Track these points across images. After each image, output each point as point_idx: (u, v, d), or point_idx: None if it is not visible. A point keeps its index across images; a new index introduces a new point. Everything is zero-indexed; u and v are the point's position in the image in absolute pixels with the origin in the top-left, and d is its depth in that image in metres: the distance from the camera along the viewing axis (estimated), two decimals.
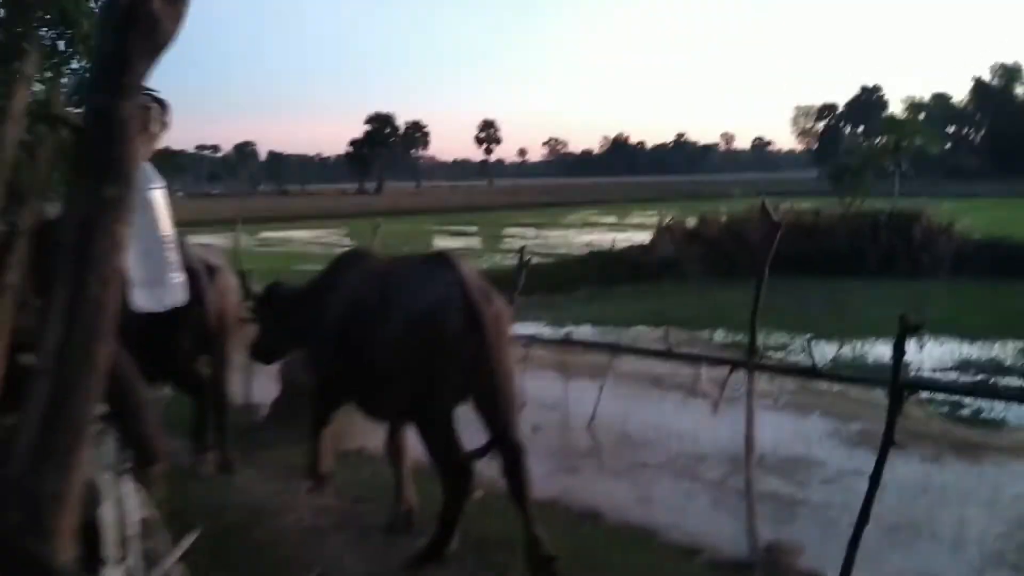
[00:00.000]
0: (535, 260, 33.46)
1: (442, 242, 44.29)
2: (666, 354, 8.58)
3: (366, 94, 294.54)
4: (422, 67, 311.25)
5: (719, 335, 17.83)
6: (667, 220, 32.44)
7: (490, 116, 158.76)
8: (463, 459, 4.92)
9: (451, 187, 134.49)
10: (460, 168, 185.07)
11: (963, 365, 15.72)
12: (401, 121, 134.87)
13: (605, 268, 27.75)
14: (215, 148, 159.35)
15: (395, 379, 5.01)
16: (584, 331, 17.90)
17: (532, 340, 9.80)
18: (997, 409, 11.60)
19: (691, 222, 32.18)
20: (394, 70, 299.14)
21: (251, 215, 67.23)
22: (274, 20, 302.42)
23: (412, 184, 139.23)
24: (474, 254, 36.87)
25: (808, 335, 16.59)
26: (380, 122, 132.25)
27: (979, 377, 14.73)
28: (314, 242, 45.18)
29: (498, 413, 4.93)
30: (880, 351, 16.01)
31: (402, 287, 5.10)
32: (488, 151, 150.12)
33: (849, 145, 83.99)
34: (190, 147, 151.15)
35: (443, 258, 5.14)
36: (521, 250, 9.57)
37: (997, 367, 15.64)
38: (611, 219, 59.70)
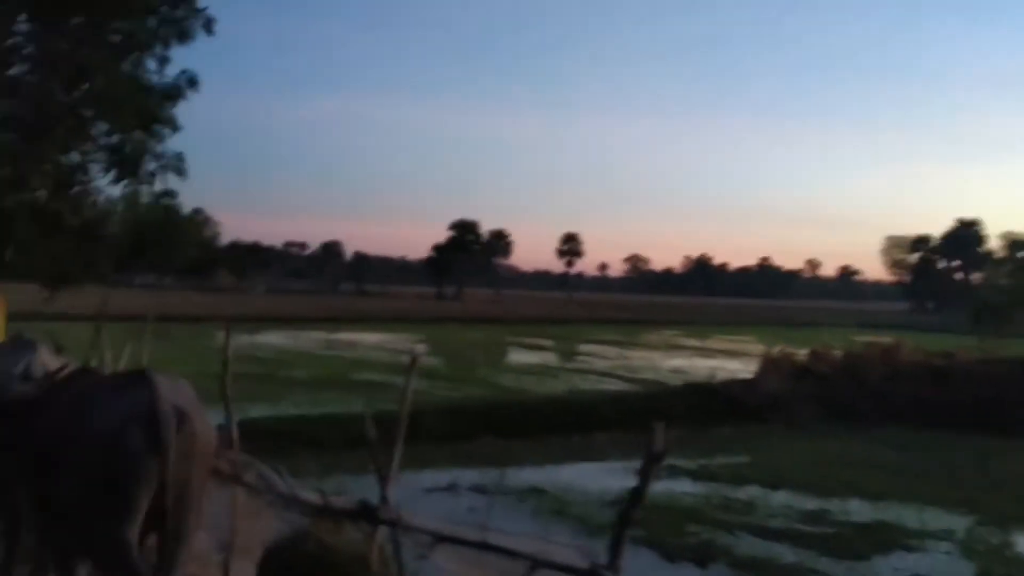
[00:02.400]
0: (619, 386, 29.26)
1: (517, 356, 41.18)
2: None
3: (452, 200, 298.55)
4: (509, 176, 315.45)
5: (854, 507, 14.18)
6: (773, 351, 28.76)
7: (573, 229, 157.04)
8: None
9: (530, 297, 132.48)
10: (540, 279, 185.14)
11: None
12: (485, 228, 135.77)
13: (701, 403, 24.11)
14: (303, 246, 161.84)
15: (76, 504, 4.79)
16: (684, 485, 14.72)
17: None
18: None
19: (799, 356, 28.43)
20: (481, 178, 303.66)
21: (327, 314, 66.18)
22: (368, 126, 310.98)
23: (491, 291, 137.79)
24: (549, 372, 33.69)
25: (974, 517, 12.66)
26: (463, 228, 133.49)
27: None
28: (381, 347, 42.69)
29: (167, 543, 4.83)
30: None
31: (95, 403, 4.92)
32: (569, 263, 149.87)
33: (953, 280, 79.92)
34: (279, 243, 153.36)
35: (140, 376, 5.00)
36: None
37: None
38: (694, 342, 56.23)
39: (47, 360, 5.87)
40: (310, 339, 47.09)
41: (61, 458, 4.87)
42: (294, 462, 16.59)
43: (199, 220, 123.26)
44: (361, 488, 14.85)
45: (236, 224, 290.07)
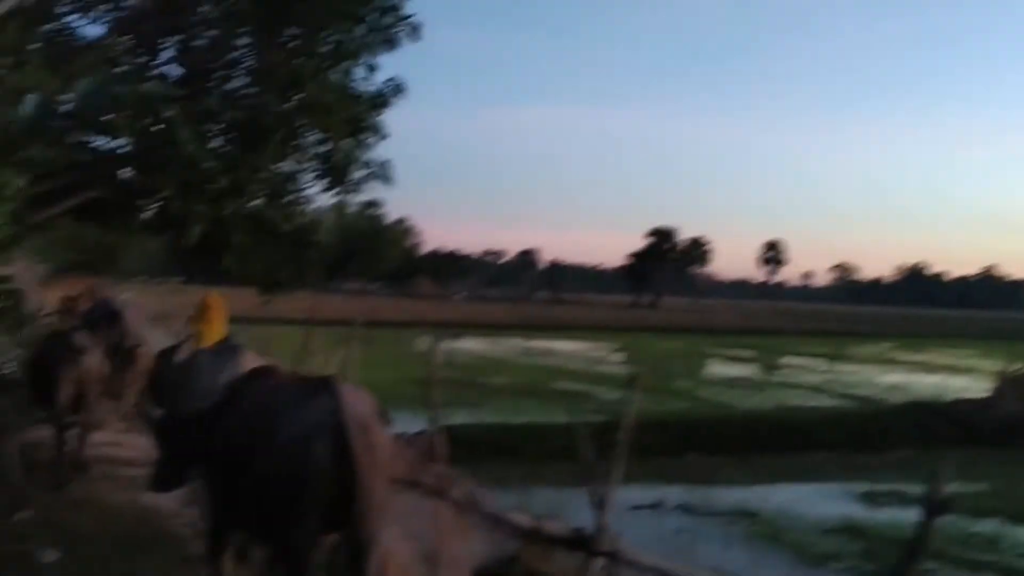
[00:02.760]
0: (831, 402, 27.42)
1: (717, 367, 39.72)
2: None
3: (648, 207, 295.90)
4: (708, 182, 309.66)
5: None
6: (1012, 369, 26.19)
7: (775, 236, 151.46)
8: None
9: (729, 306, 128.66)
10: (739, 288, 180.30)
11: None
12: (682, 236, 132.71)
13: (927, 424, 22.17)
14: (499, 254, 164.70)
15: (264, 505, 4.93)
16: (913, 514, 13.18)
17: None
18: None
19: None
20: (679, 184, 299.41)
21: (524, 321, 66.67)
22: (566, 134, 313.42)
23: (689, 300, 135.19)
24: (753, 386, 32.20)
25: None
26: (661, 236, 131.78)
27: None
28: (579, 356, 42.23)
29: (356, 551, 4.91)
30: None
31: (280, 412, 5.02)
32: (771, 272, 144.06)
33: None
34: (477, 252, 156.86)
35: (324, 384, 5.14)
36: None
37: None
38: (911, 356, 52.36)
39: (250, 363, 6.12)
40: (508, 346, 47.40)
41: (247, 463, 5.01)
42: (494, 472, 16.45)
43: (402, 229, 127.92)
44: (563, 503, 14.49)
45: (436, 232, 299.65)
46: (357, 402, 5.02)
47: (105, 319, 13.92)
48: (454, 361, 36.29)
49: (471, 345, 44.95)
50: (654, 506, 14.36)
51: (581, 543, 5.78)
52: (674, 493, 15.21)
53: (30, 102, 7.80)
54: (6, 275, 8.36)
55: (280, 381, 5.64)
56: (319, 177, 14.86)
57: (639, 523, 12.62)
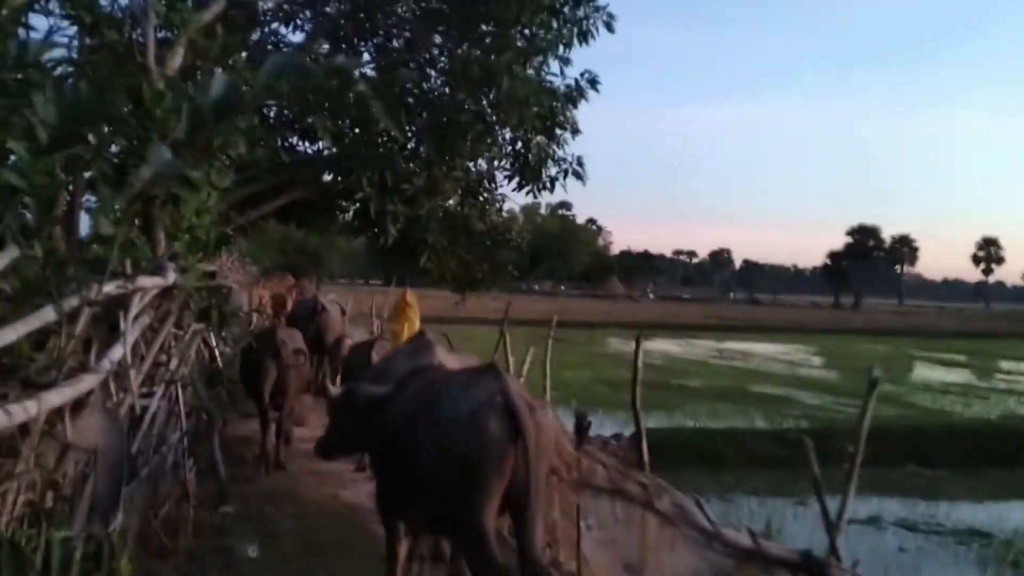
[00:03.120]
0: None
1: (928, 372, 36.87)
2: None
3: (849, 205, 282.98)
4: (915, 178, 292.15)
5: None
6: None
7: (991, 234, 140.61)
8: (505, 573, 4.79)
9: (938, 308, 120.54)
10: (950, 288, 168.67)
11: None
12: (887, 234, 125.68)
13: None
14: (691, 254, 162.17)
15: (436, 485, 5.03)
16: None
17: None
18: None
19: None
20: (883, 181, 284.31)
21: (718, 323, 64.90)
22: (759, 132, 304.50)
23: (894, 302, 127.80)
24: (974, 392, 29.67)
25: None
26: (863, 234, 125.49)
27: None
28: (778, 358, 40.43)
29: (524, 528, 4.96)
30: None
31: (443, 397, 5.16)
32: (986, 271, 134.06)
33: None
34: (668, 251, 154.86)
35: (489, 369, 5.29)
36: None
37: None
38: None
39: (444, 359, 6.40)
40: (702, 348, 46.08)
41: (410, 455, 5.18)
42: (693, 480, 15.75)
43: (593, 229, 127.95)
44: (768, 515, 13.67)
45: (627, 232, 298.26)
46: (518, 387, 5.17)
47: (308, 317, 14.32)
48: (647, 362, 35.51)
49: (663, 346, 43.98)
50: (870, 521, 13.25)
51: (812, 568, 5.08)
52: (891, 507, 14.01)
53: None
54: (213, 273, 8.52)
55: (446, 372, 5.85)
56: (512, 176, 14.69)
57: (856, 539, 11.61)
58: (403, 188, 13.29)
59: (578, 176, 14.76)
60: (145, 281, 4.76)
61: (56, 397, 3.46)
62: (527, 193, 14.70)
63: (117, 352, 4.44)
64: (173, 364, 6.37)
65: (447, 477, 4.91)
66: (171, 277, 5.53)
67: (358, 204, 13.35)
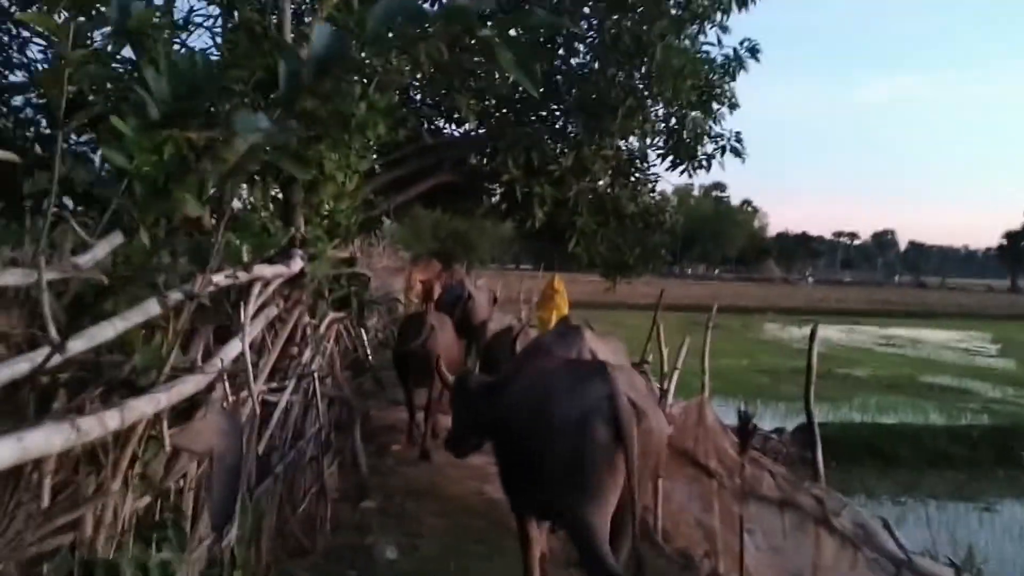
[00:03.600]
0: None
1: None
2: None
3: None
4: None
5: None
6: None
7: None
8: (613, 572, 4.76)
9: None
10: None
11: None
12: None
13: None
14: (853, 235, 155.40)
15: (548, 481, 5.12)
16: None
17: None
18: None
19: None
20: None
21: (882, 308, 61.76)
22: (927, 107, 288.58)
23: None
24: None
25: None
26: None
27: None
28: (950, 346, 37.81)
29: (622, 527, 5.00)
30: None
31: (555, 394, 5.18)
32: None
33: None
34: (827, 233, 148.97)
35: (599, 369, 5.23)
36: None
37: None
38: None
39: (593, 346, 6.25)
40: (866, 334, 43.65)
41: (525, 442, 5.27)
42: (864, 480, 14.59)
43: (748, 211, 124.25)
44: (948, 521, 12.45)
45: (784, 214, 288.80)
46: (630, 387, 5.13)
47: (455, 303, 13.98)
48: (806, 349, 33.83)
49: (825, 333, 41.77)
50: None
51: None
52: None
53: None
54: (351, 260, 8.19)
55: (555, 364, 5.82)
56: (665, 154, 13.89)
57: None
58: (550, 169, 12.72)
59: (736, 153, 13.83)
60: (265, 270, 4.36)
61: (152, 402, 3.05)
62: (681, 172, 13.89)
63: (234, 348, 4.04)
64: (306, 356, 6.01)
65: (558, 476, 5.03)
66: (296, 265, 5.14)
67: (504, 187, 12.87)
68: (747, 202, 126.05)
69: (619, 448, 4.84)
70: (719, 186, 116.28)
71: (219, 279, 3.67)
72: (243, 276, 3.87)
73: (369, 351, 11.88)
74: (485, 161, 13.28)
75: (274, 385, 5.36)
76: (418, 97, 13.26)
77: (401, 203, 14.25)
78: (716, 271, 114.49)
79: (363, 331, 9.81)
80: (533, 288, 18.97)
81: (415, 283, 18.85)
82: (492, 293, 15.09)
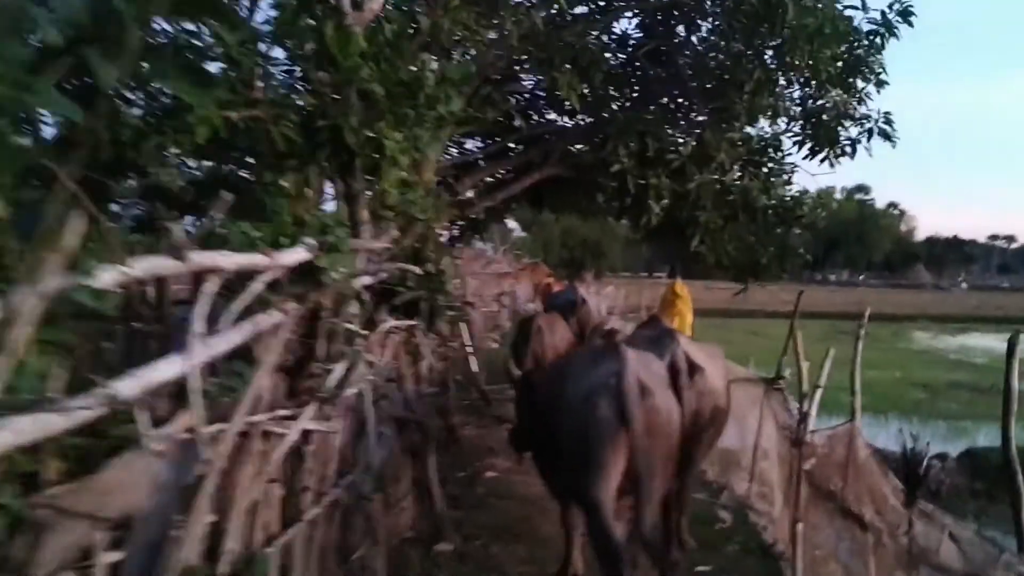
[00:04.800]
0: None
1: None
2: None
3: None
4: None
5: None
6: None
7: None
8: (616, 547, 4.94)
9: None
10: None
11: None
12: None
13: None
14: (1010, 238, 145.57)
15: (563, 458, 5.35)
16: None
17: None
18: None
19: None
20: None
21: None
22: None
23: None
24: None
25: None
26: None
27: None
28: None
29: (638, 506, 5.06)
30: None
31: (571, 374, 5.41)
32: None
33: None
34: (981, 237, 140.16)
35: (613, 349, 5.33)
36: None
37: None
38: None
39: (689, 350, 6.25)
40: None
41: (550, 420, 5.45)
42: None
43: (894, 214, 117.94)
44: None
45: (934, 216, 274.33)
46: (643, 367, 5.21)
47: (567, 308, 12.67)
48: (967, 360, 30.79)
49: (986, 342, 38.41)
50: None
51: None
52: None
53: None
54: (421, 256, 6.94)
55: (579, 351, 6.22)
56: (802, 140, 12.14)
57: None
58: (668, 158, 11.19)
59: (886, 136, 11.93)
60: (218, 260, 3.10)
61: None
62: (821, 161, 12.07)
63: (168, 367, 2.81)
64: (336, 374, 4.75)
65: (569, 452, 5.22)
66: (293, 257, 3.85)
67: (615, 179, 11.37)
68: (893, 204, 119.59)
69: (623, 425, 4.91)
70: (862, 188, 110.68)
71: (111, 275, 2.43)
72: (137, 269, 2.60)
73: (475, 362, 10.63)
74: (594, 152, 11.87)
75: (283, 412, 4.12)
76: (519, 83, 11.95)
77: (504, 200, 13.00)
78: (861, 277, 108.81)
79: (469, 344, 8.52)
80: (657, 296, 17.44)
81: (522, 288, 17.62)
82: (606, 298, 13.65)
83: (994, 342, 39.04)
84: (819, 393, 7.23)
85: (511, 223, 71.71)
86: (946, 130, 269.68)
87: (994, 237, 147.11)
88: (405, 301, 6.57)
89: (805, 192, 13.48)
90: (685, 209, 11.54)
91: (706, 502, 9.19)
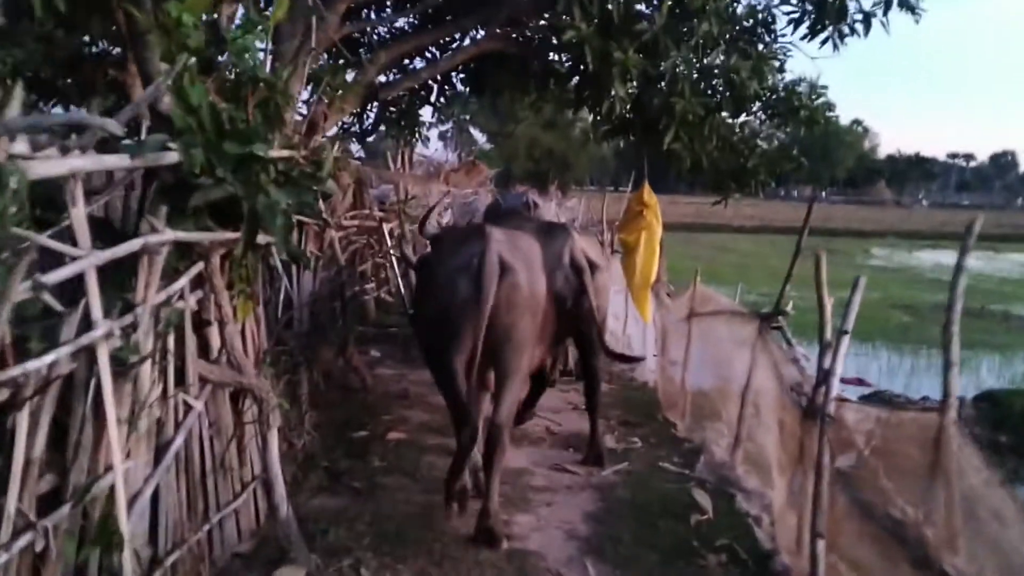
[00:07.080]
0: None
1: None
2: None
3: None
4: None
5: None
6: None
7: None
8: (464, 408, 5.10)
9: None
10: None
11: None
12: None
13: None
14: (969, 156, 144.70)
15: (427, 329, 5.53)
16: None
17: None
18: None
19: None
20: None
21: (1012, 232, 55.85)
22: None
23: None
24: None
25: None
26: None
27: None
28: None
29: (497, 389, 5.34)
30: None
31: (443, 258, 5.46)
32: None
33: None
34: (941, 154, 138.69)
35: (479, 231, 5.37)
36: None
37: None
38: None
39: (584, 246, 6.42)
40: (1009, 261, 37.81)
41: (423, 300, 5.69)
42: None
43: (858, 131, 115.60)
44: None
45: (895, 134, 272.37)
46: (508, 246, 5.27)
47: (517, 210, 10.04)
48: (942, 280, 28.68)
49: (948, 259, 36.40)
50: None
51: None
52: None
53: None
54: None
55: (456, 232, 6.28)
56: (801, 16, 9.47)
57: None
58: (637, 28, 8.44)
59: (910, 8, 9.30)
60: None
61: None
62: (823, 42, 9.42)
63: None
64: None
65: (433, 328, 5.29)
66: None
67: (570, 52, 8.64)
68: (857, 122, 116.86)
69: (479, 303, 4.96)
70: (829, 106, 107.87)
71: None
72: None
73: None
74: (544, 16, 9.11)
75: None
76: None
77: (436, 85, 10.29)
78: (823, 193, 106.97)
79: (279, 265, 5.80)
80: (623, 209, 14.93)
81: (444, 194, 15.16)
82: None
83: (972, 260, 37.13)
84: (846, 341, 4.84)
85: (475, 132, 68.28)
86: (910, 46, 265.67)
87: (954, 155, 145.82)
88: (210, 200, 3.96)
89: (799, 81, 10.79)
90: (658, 96, 8.85)
91: (674, 476, 6.81)
